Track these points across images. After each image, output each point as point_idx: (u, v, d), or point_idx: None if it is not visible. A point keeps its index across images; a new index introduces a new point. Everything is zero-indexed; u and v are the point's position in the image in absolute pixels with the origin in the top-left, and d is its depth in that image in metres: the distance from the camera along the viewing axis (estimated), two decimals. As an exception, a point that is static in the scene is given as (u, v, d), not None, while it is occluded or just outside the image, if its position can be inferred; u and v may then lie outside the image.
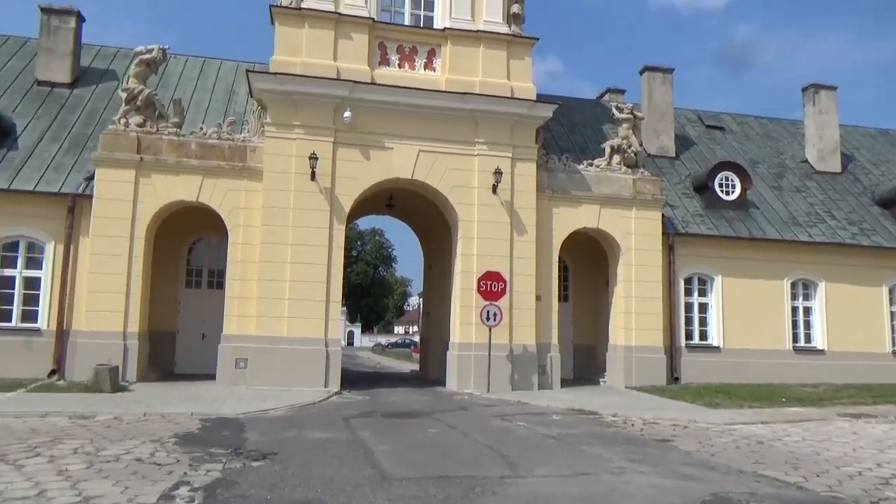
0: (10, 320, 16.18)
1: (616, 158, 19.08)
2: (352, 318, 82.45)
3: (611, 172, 18.84)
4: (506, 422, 12.00)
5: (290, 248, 15.91)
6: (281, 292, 15.75)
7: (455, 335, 17.23)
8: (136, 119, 16.58)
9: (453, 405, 14.14)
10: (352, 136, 16.67)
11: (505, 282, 16.76)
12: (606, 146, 19.36)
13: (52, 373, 15.65)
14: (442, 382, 17.99)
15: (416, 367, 29.67)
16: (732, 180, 21.20)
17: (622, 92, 26.11)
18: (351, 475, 7.45)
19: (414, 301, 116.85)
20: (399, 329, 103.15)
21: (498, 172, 16.97)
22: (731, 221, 20.50)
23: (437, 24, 17.73)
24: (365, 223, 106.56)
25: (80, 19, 21.13)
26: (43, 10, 20.67)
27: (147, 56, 16.95)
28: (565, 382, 18.08)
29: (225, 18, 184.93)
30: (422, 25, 17.83)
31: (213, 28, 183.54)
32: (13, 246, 16.43)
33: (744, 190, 21.18)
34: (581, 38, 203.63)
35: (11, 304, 16.23)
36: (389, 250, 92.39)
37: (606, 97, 25.95)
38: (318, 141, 16.39)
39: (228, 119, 17.66)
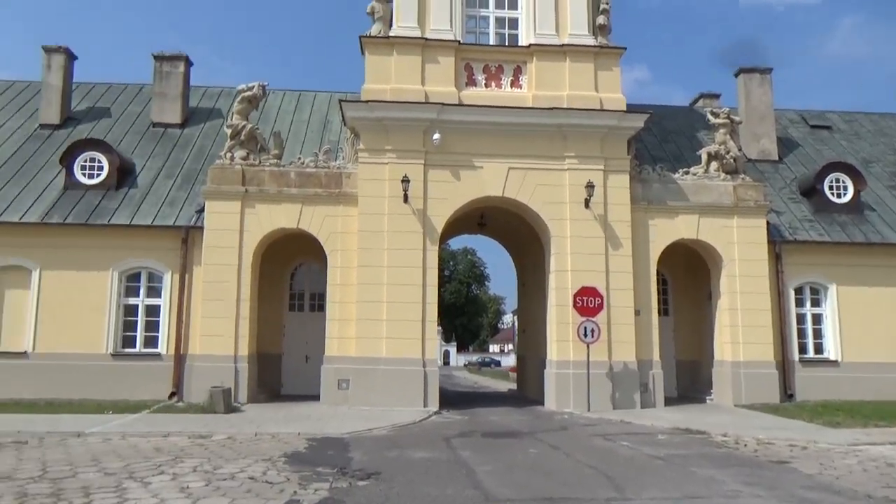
0: (134, 346, 17.43)
1: (714, 165, 18.38)
2: (447, 338, 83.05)
3: (709, 180, 18.15)
4: (608, 442, 11.69)
5: (386, 270, 16.28)
6: (378, 313, 16.12)
7: (552, 353, 17.01)
8: (240, 153, 17.58)
9: (553, 425, 13.93)
10: (442, 158, 16.94)
11: (602, 297, 16.43)
12: (703, 153, 18.69)
13: (172, 395, 16.69)
14: (540, 401, 17.77)
15: (513, 385, 29.49)
16: (844, 182, 19.90)
17: (717, 96, 25.16)
18: (455, 495, 7.49)
19: (508, 319, 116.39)
20: (494, 347, 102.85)
21: (590, 186, 16.74)
22: (844, 226, 19.22)
23: (522, 41, 17.80)
24: (457, 242, 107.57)
25: (188, 64, 22.71)
26: (156, 57, 22.39)
27: (248, 93, 17.97)
28: (669, 401, 17.42)
29: (318, 52, 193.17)
30: (507, 44, 17.97)
31: (308, 62, 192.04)
32: (136, 276, 17.73)
33: (857, 192, 19.83)
34: (668, 43, 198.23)
35: (135, 330, 17.49)
36: (482, 269, 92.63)
37: (700, 103, 25.12)
38: (410, 164, 16.76)
39: (324, 148, 18.39)
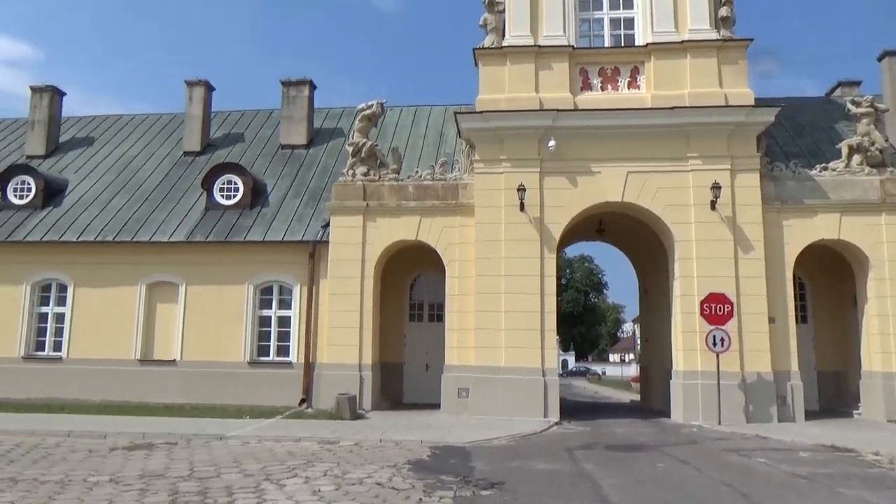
0: (268, 355, 18.53)
1: (856, 159, 16.92)
2: (565, 347, 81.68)
3: (851, 175, 16.73)
4: (743, 457, 11.00)
5: (504, 279, 16.29)
6: (497, 323, 16.15)
7: (678, 363, 16.29)
8: (361, 169, 18.28)
9: (681, 438, 13.31)
10: (558, 165, 16.76)
11: (731, 304, 15.54)
12: (843, 146, 17.27)
13: (302, 401, 17.56)
14: (666, 413, 17.05)
15: (636, 396, 28.52)
16: None
17: (857, 84, 23.14)
18: (579, 509, 7.33)
19: (628, 328, 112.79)
20: (614, 357, 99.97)
21: (716, 187, 15.93)
22: None
23: (639, 41, 17.30)
24: (573, 250, 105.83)
25: (312, 87, 23.95)
26: (283, 83, 23.78)
27: (368, 111, 18.68)
28: (810, 414, 16.14)
29: (434, 66, 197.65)
30: (622, 45, 17.52)
31: (424, 77, 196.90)
32: (269, 289, 18.87)
33: None
34: (797, 31, 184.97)
35: (269, 340, 18.59)
36: (600, 276, 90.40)
37: (838, 92, 23.22)
38: (525, 172, 16.71)
39: (440, 160, 18.75)
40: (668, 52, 16.95)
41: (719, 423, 14.99)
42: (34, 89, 24.62)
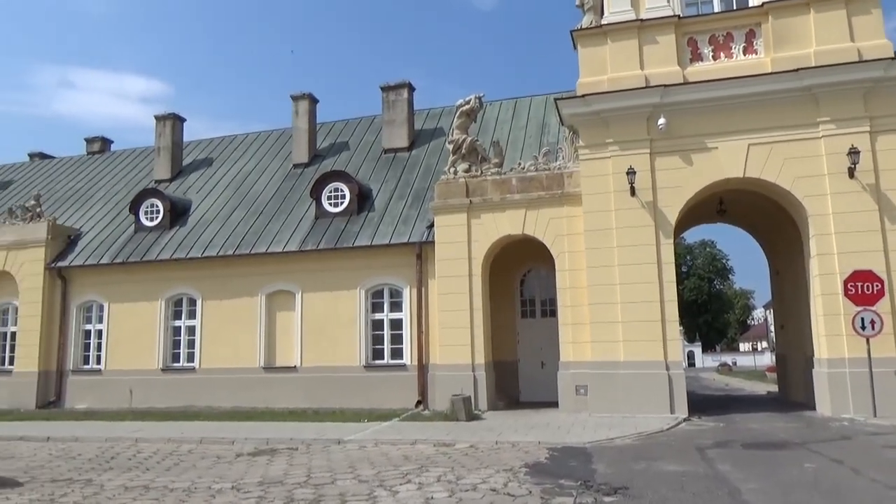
0: (382, 358, 18.67)
1: None
2: (690, 338, 77.69)
3: None
4: (909, 456, 9.66)
5: (618, 270, 15.43)
6: (613, 315, 15.32)
7: (821, 350, 14.73)
8: (462, 166, 18.01)
9: (831, 434, 11.96)
10: (669, 144, 15.67)
11: (881, 281, 13.85)
12: None
13: (418, 403, 17.53)
14: (809, 406, 15.53)
15: (772, 387, 26.45)
16: None
17: None
18: (715, 517, 6.59)
19: (758, 314, 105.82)
20: (745, 346, 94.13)
21: (854, 152, 14.26)
22: None
23: (753, 2, 15.86)
24: (693, 235, 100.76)
25: (411, 89, 24.06)
26: (382, 88, 24.06)
27: (466, 107, 18.39)
28: None
29: (532, 62, 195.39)
30: (735, 7, 16.14)
31: (523, 72, 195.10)
32: (380, 293, 19.02)
33: None
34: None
35: (382, 343, 18.74)
36: (724, 261, 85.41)
37: None
38: (634, 155, 15.75)
39: (543, 150, 18.13)
40: (788, 8, 15.40)
41: (875, 416, 13.40)
42: (158, 118, 26.38)
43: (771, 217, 18.06)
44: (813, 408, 15.18)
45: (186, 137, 27.17)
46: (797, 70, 14.83)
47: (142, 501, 8.10)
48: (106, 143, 30.70)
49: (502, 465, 9.64)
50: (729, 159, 15.33)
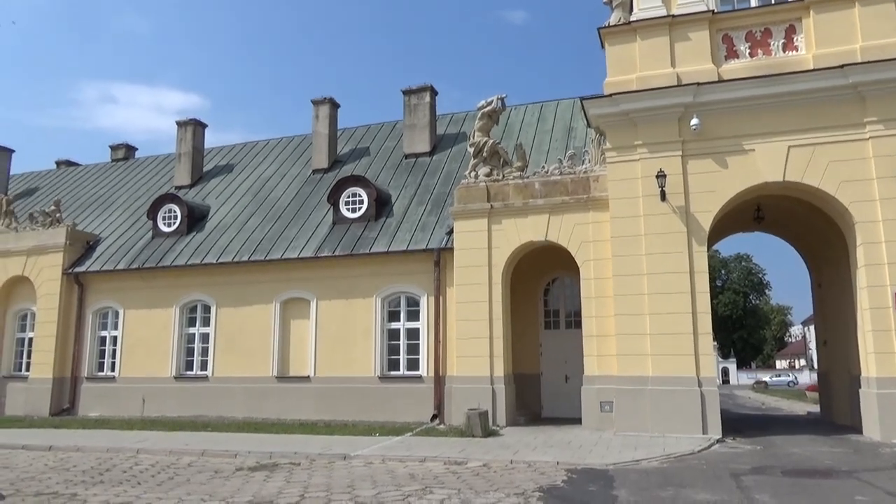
0: (398, 369, 17.92)
1: None
2: (724, 354, 75.30)
3: None
4: (976, 489, 8.54)
5: (646, 278, 14.48)
6: (641, 327, 14.35)
7: (869, 368, 13.56)
8: (483, 170, 17.27)
9: (882, 461, 10.83)
10: (702, 146, 14.72)
11: (937, 295, 12.69)
12: None
13: (434, 417, 16.72)
14: (856, 429, 14.36)
15: (813, 408, 24.98)
16: None
17: None
18: (754, 559, 5.66)
19: (796, 331, 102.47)
20: (782, 363, 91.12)
21: (905, 155, 13.17)
22: None
23: (793, -4, 14.89)
24: (728, 249, 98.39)
25: (434, 93, 23.45)
26: (404, 92, 23.50)
27: (488, 108, 17.67)
28: None
29: (560, 67, 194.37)
30: (773, 2, 15.18)
31: (551, 78, 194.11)
32: (396, 301, 18.31)
33: None
34: None
35: (399, 354, 17.99)
36: (760, 276, 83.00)
37: None
38: (665, 157, 14.83)
39: (568, 153, 17.31)
40: (832, 2, 14.39)
41: (930, 442, 12.22)
42: (179, 124, 26.19)
43: (813, 225, 16.93)
44: (860, 431, 14.01)
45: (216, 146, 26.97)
46: (842, 66, 13.80)
47: (118, 520, 7.46)
48: (130, 150, 30.69)
49: (514, 487, 8.80)
50: (767, 162, 14.32)
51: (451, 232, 17.46)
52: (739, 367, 78.41)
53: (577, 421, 15.36)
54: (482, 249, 16.55)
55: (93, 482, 9.97)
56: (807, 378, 59.64)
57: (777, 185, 14.63)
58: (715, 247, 27.21)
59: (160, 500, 8.53)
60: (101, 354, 21.24)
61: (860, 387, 13.99)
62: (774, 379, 65.90)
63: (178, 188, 25.10)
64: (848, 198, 13.82)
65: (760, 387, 57.36)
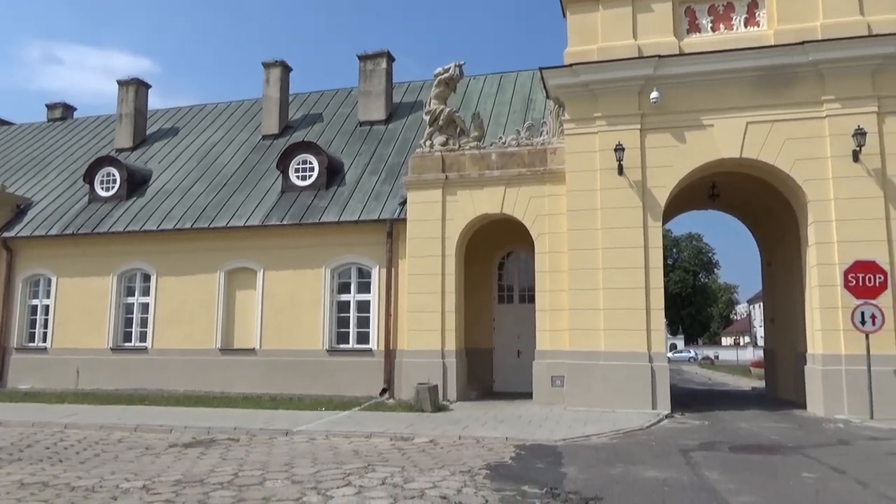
0: (348, 342, 17.42)
1: None
2: (673, 331, 77.01)
3: None
4: (918, 465, 8.58)
5: (601, 253, 14.27)
6: (594, 302, 14.17)
7: (815, 345, 13.70)
8: (439, 139, 16.75)
9: (827, 437, 10.89)
10: (661, 119, 14.49)
11: (885, 273, 12.81)
12: None
13: (384, 391, 16.34)
14: (799, 404, 14.56)
15: (757, 383, 25.53)
16: None
17: None
18: (705, 541, 5.44)
19: (741, 309, 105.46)
20: (727, 340, 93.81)
21: (859, 133, 13.16)
22: None
23: (756, -30, 14.66)
24: (679, 228, 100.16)
25: (390, 59, 22.69)
26: (360, 57, 22.68)
27: (445, 75, 17.09)
28: None
29: (519, 34, 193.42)
30: (736, -25, 14.93)
31: (509, 42, 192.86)
32: (347, 272, 17.75)
33: None
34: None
35: (348, 327, 17.48)
36: (710, 255, 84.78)
37: None
38: (623, 130, 14.56)
39: (526, 124, 16.90)
40: (794, -23, 14.23)
41: (871, 418, 12.40)
42: (121, 83, 24.83)
43: (766, 204, 17.00)
44: (803, 406, 14.18)
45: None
46: (803, 43, 13.68)
47: (29, 502, 6.84)
48: (69, 109, 28.98)
49: (461, 465, 8.47)
50: (725, 138, 14.18)
51: (404, 202, 16.94)
52: (687, 343, 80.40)
53: (528, 396, 15.18)
54: (436, 221, 16.09)
55: (10, 459, 9.27)
56: (750, 355, 61.35)
57: (733, 162, 14.54)
58: (667, 226, 27.28)
59: (80, 479, 7.92)
60: (32, 324, 20.14)
61: (805, 363, 14.13)
62: (676, 355, 67.43)
63: (119, 151, 23.84)
64: (802, 176, 13.79)
65: (706, 362, 58.83)
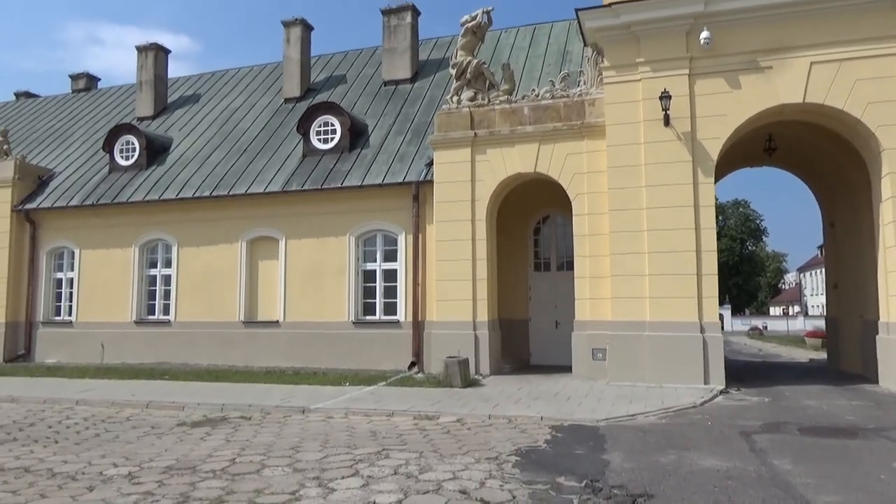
0: (374, 313, 16.51)
1: None
2: (720, 301, 74.39)
3: None
4: None
5: (646, 213, 12.95)
6: (639, 268, 12.90)
7: (889, 312, 12.22)
8: (467, 94, 15.51)
9: (910, 416, 9.53)
10: (712, 63, 12.98)
11: (975, 230, 11.23)
12: None
13: (412, 365, 15.42)
14: (868, 378, 13.20)
15: (814, 355, 23.89)
16: None
17: None
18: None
19: (790, 278, 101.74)
20: (776, 310, 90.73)
21: (947, 70, 11.49)
22: None
23: None
24: (725, 194, 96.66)
25: (416, 13, 21.37)
26: (383, 12, 21.43)
27: (472, 23, 15.78)
28: None
29: None
30: None
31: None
32: (372, 240, 16.78)
33: None
34: None
35: (374, 297, 16.55)
36: (758, 222, 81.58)
37: None
38: (670, 76, 13.09)
39: (561, 74, 15.51)
40: None
41: (957, 394, 10.97)
42: (139, 49, 24.11)
43: (830, 156, 15.34)
44: (873, 381, 12.79)
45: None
46: (878, -33, 11.97)
47: (-2, 493, 6.08)
48: (92, 80, 28.47)
49: (487, 449, 7.44)
50: (786, 81, 12.61)
51: (431, 164, 15.80)
52: (734, 313, 77.82)
53: (567, 370, 14.07)
54: (465, 182, 14.93)
55: (4, 440, 8.62)
56: (801, 325, 58.93)
57: (795, 109, 12.97)
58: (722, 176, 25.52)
59: (65, 464, 7.16)
60: (58, 297, 19.78)
61: (877, 333, 12.67)
62: (743, 322, 64.89)
63: (140, 119, 23.20)
64: (875, 121, 12.18)
65: (755, 333, 56.66)
